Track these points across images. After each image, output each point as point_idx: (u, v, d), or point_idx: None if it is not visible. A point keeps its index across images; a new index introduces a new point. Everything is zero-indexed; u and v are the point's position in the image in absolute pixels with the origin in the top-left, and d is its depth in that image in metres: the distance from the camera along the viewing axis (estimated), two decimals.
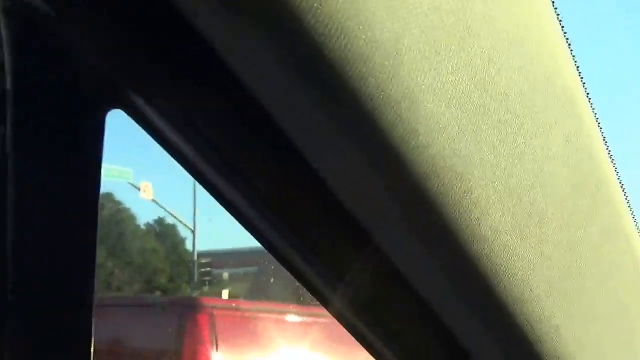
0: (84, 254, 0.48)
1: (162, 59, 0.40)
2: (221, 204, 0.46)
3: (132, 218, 33.65)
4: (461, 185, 0.35)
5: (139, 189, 22.99)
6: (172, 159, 0.46)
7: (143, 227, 34.27)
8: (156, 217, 31.35)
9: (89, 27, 0.39)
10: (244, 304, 4.05)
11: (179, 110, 0.41)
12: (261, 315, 3.39)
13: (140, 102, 0.43)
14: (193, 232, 23.38)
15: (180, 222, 24.34)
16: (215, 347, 2.94)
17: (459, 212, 0.35)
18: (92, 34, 0.39)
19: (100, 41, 0.40)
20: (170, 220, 27.52)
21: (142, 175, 22.65)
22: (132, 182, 22.66)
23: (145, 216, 37.14)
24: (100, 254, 30.31)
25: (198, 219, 23.62)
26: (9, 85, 0.43)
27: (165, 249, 29.79)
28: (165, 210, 24.73)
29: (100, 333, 3.14)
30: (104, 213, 34.45)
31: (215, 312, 3.02)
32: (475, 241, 0.37)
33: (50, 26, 0.41)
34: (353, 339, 0.52)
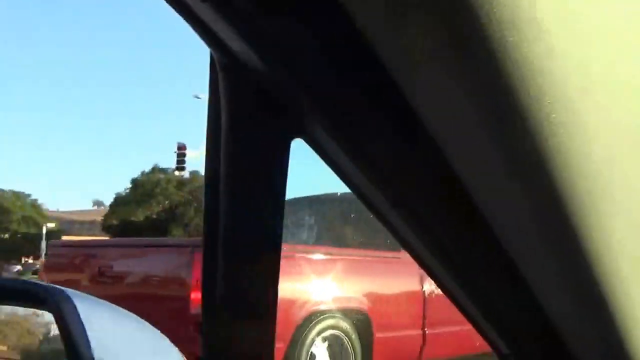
0: (269, 255, 0.57)
1: (346, 95, 0.44)
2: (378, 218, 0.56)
3: None
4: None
5: None
6: None
7: None
8: None
9: (289, 71, 0.45)
10: None
11: (356, 142, 0.46)
12: None
13: (320, 132, 0.49)
14: None
15: None
16: None
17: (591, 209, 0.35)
18: (292, 76, 0.45)
19: (297, 82, 0.46)
20: None
21: None
22: None
23: None
24: (189, 211, 34.64)
25: None
26: (223, 123, 0.52)
27: None
28: None
29: (130, 266, 3.61)
30: (193, 183, 39.90)
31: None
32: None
33: (256, 73, 0.47)
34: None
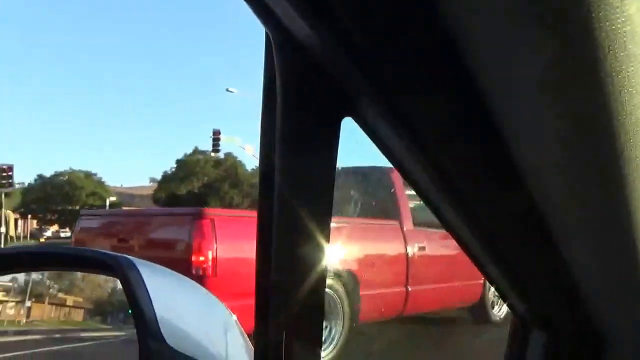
0: (319, 231, 0.51)
1: (402, 75, 0.38)
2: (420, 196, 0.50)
3: (242, 165, 40.74)
4: None
5: (244, 149, 29.07)
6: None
7: (250, 170, 41.46)
8: (255, 165, 36.59)
9: (345, 49, 0.39)
10: (238, 212, 4.52)
11: (406, 124, 0.41)
12: (248, 218, 3.98)
13: (370, 112, 0.45)
14: None
15: None
16: (215, 241, 3.50)
17: None
18: (347, 54, 0.39)
19: (352, 61, 0.39)
20: None
21: (246, 140, 28.70)
22: (240, 145, 29.26)
23: (249, 165, 42.93)
24: (224, 186, 36.99)
25: None
26: (277, 101, 0.47)
27: None
28: None
29: (143, 233, 3.45)
30: (226, 164, 41.59)
31: (215, 217, 3.58)
32: None
33: (312, 51, 0.43)
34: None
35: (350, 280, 4.42)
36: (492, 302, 6.21)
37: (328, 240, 0.52)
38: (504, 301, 0.59)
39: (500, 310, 6.33)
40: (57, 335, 1.39)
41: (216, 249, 3.48)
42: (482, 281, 6.05)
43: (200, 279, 3.47)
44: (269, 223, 0.51)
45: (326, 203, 0.52)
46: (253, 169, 43.40)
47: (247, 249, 3.83)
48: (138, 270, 0.93)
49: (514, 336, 0.60)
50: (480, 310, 6.08)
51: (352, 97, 0.45)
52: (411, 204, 5.14)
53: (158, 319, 0.87)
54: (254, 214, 5.13)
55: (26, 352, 1.31)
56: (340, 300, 4.32)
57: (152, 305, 0.87)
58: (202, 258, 3.45)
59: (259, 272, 0.54)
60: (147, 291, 0.89)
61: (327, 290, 4.11)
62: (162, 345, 0.84)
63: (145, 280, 0.91)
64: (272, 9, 0.41)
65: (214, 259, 3.46)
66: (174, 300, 1.07)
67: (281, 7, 0.40)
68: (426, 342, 5.23)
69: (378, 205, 5.57)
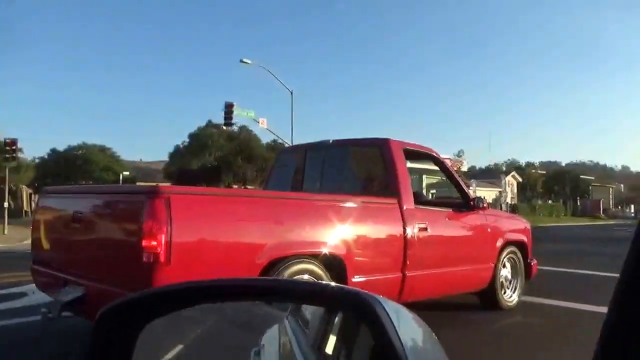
0: None
1: None
2: None
3: (257, 139, 40.63)
4: None
5: (259, 122, 29.88)
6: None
7: (264, 143, 41.38)
8: (270, 139, 39.12)
9: None
10: (197, 189, 4.05)
11: None
12: (212, 197, 3.66)
13: None
14: None
15: (284, 141, 29.14)
16: (169, 223, 3.05)
17: None
18: None
19: None
20: (279, 141, 33.00)
21: (260, 114, 29.82)
22: (254, 118, 29.71)
23: (264, 139, 42.78)
24: (237, 160, 38.40)
25: (294, 141, 28.32)
26: None
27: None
28: (275, 134, 31.40)
29: (96, 212, 3.00)
30: (240, 138, 41.78)
31: (171, 196, 3.13)
32: None
33: None
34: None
35: (336, 265, 3.92)
36: (503, 287, 5.74)
37: None
38: None
39: (512, 297, 5.86)
40: None
41: (171, 232, 3.00)
42: (492, 265, 5.58)
43: (152, 267, 3.01)
44: None
45: None
46: (268, 143, 43.14)
47: (210, 233, 3.35)
48: (388, 314, 0.84)
49: None
50: (489, 296, 5.61)
51: None
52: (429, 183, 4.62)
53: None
54: (220, 191, 4.66)
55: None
56: None
57: (406, 356, 0.79)
58: (153, 242, 2.97)
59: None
60: (400, 338, 0.81)
61: (308, 277, 3.68)
62: None
63: (397, 326, 0.82)
64: None
65: (167, 244, 2.98)
66: (416, 344, 0.97)
67: None
68: (435, 329, 4.79)
69: (374, 181, 5.05)
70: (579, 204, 61.28)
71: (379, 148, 4.85)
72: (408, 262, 4.45)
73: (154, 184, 5.35)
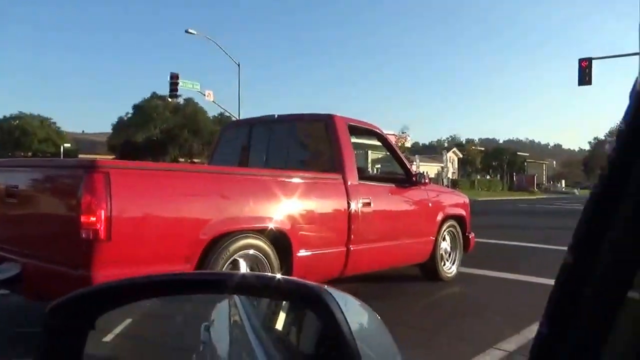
0: None
1: None
2: None
3: (204, 112, 39.72)
4: None
5: (205, 95, 28.97)
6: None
7: (211, 117, 40.54)
8: (217, 112, 39.29)
9: None
10: (138, 164, 3.98)
11: None
12: (154, 172, 3.55)
13: None
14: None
15: (231, 114, 29.03)
16: (109, 198, 2.96)
17: None
18: None
19: None
20: (226, 114, 33.14)
21: (208, 87, 29.11)
22: (200, 90, 28.91)
23: (211, 111, 41.85)
24: (184, 133, 37.86)
25: (242, 114, 28.67)
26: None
27: None
28: (222, 108, 30.96)
29: (32, 187, 2.86)
30: (186, 111, 40.59)
31: (110, 171, 3.03)
32: None
33: None
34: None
35: (282, 240, 3.94)
36: (443, 259, 5.97)
37: None
38: None
39: (451, 268, 6.10)
40: None
41: (111, 207, 2.91)
42: (432, 238, 5.78)
43: (92, 243, 2.92)
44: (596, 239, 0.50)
45: None
46: (215, 116, 42.21)
47: (152, 208, 3.28)
48: (338, 305, 0.88)
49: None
50: (430, 268, 5.83)
51: None
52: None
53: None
54: (162, 166, 4.52)
55: None
56: (270, 263, 3.85)
57: (356, 344, 0.82)
58: (92, 218, 2.87)
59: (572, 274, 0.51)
60: (350, 328, 0.83)
61: (253, 252, 3.68)
62: None
63: (348, 317, 0.86)
64: None
65: (107, 219, 2.90)
66: (364, 332, 1.00)
67: None
68: (372, 300, 4.94)
69: (319, 157, 5.07)
70: (514, 179, 64.08)
71: (324, 124, 4.87)
72: (352, 236, 4.53)
73: (94, 157, 5.15)
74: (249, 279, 1.25)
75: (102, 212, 2.90)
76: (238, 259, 3.65)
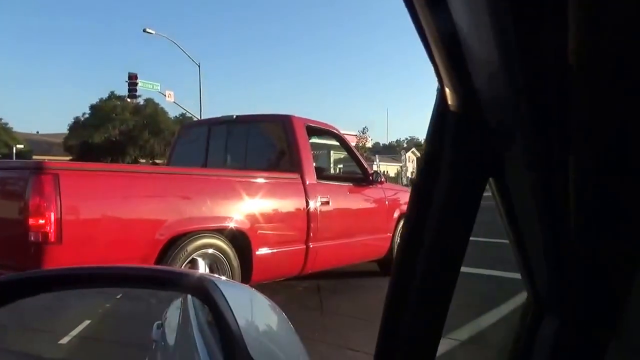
0: (446, 280, 0.60)
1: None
2: None
3: (165, 112, 38.89)
4: None
5: (165, 95, 28.19)
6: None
7: (172, 118, 39.77)
8: (179, 113, 38.02)
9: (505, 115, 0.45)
10: (88, 165, 3.94)
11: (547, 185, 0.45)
12: (107, 173, 3.49)
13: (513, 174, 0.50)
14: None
15: (193, 115, 28.18)
16: (59, 200, 2.90)
17: None
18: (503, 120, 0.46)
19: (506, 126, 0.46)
20: (188, 114, 31.59)
21: (168, 88, 28.44)
22: (160, 91, 28.13)
23: (172, 112, 41.00)
24: (144, 134, 36.65)
25: (204, 114, 28.07)
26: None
27: None
28: (183, 108, 30.13)
29: None
30: (147, 111, 39.57)
31: (60, 172, 2.98)
32: None
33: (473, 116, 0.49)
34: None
35: (241, 239, 3.92)
36: None
37: (452, 293, 0.59)
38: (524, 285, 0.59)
39: None
40: None
41: (60, 209, 2.83)
42: (390, 235, 5.86)
43: (41, 246, 2.83)
44: (411, 255, 0.57)
45: (459, 253, 0.58)
46: (176, 117, 41.50)
47: (105, 210, 3.21)
48: (221, 290, 0.89)
49: (525, 317, 0.61)
50: (388, 264, 5.90)
51: (501, 160, 0.50)
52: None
53: (243, 335, 0.82)
54: (115, 167, 4.46)
55: None
56: (229, 262, 3.82)
57: (237, 324, 0.83)
58: (41, 221, 2.78)
59: (398, 280, 0.58)
60: (232, 310, 0.85)
61: (212, 251, 3.65)
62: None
63: (229, 301, 0.87)
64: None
65: (57, 222, 2.81)
66: (249, 313, 1.04)
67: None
68: (331, 294, 5.00)
69: (277, 157, 5.07)
70: None
71: (282, 124, 4.87)
72: (311, 234, 4.55)
73: (47, 158, 4.98)
74: (129, 271, 1.27)
75: (52, 215, 2.82)
76: (197, 258, 3.61)
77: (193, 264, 3.59)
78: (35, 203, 2.82)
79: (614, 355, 0.51)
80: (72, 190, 2.92)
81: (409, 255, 0.57)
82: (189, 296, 1.30)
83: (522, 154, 0.46)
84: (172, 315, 1.39)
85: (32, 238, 2.82)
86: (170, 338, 1.31)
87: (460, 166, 0.53)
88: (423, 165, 0.56)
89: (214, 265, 3.76)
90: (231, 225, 3.83)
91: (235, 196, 3.96)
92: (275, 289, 4.41)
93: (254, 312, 1.11)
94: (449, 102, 0.51)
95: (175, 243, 3.45)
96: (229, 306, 0.86)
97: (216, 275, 0.96)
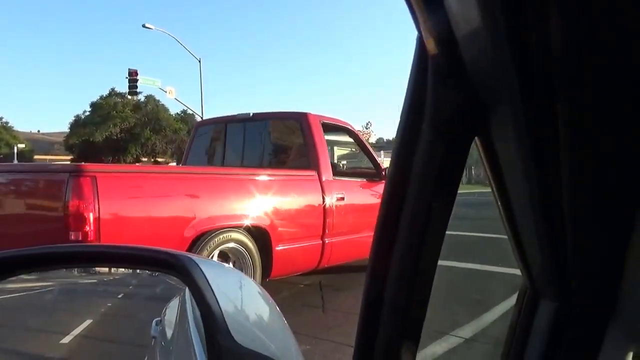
0: (433, 242, 0.58)
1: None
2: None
3: (165, 110, 38.76)
4: None
5: (166, 92, 28.06)
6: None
7: (173, 115, 39.67)
8: (180, 110, 38.90)
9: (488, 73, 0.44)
10: (123, 167, 4.07)
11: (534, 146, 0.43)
12: (139, 174, 3.71)
13: (498, 133, 0.48)
14: (201, 117, 26.87)
15: (194, 112, 28.53)
16: (97, 201, 3.07)
17: None
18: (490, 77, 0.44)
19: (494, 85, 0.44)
20: (189, 111, 33.18)
21: (167, 82, 27.12)
22: (161, 87, 27.92)
23: (173, 109, 40.91)
24: (145, 132, 36.22)
25: (205, 111, 28.04)
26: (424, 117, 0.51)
27: (186, 127, 37.15)
28: (184, 105, 30.11)
29: (9, 192, 2.90)
30: (147, 108, 39.46)
31: (97, 175, 3.15)
32: None
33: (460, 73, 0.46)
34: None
35: (261, 236, 4.09)
36: None
37: (438, 254, 0.59)
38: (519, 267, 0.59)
39: None
40: None
41: (99, 210, 3.00)
42: None
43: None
44: (390, 227, 0.56)
45: (445, 214, 0.55)
46: (177, 114, 41.32)
47: (138, 209, 3.38)
48: (201, 269, 0.90)
49: (521, 303, 0.61)
50: None
51: (487, 118, 0.48)
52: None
53: (225, 316, 0.84)
54: (147, 168, 4.66)
55: None
56: (251, 256, 4.00)
57: (218, 303, 0.84)
58: (81, 221, 2.96)
59: (374, 272, 0.57)
60: (212, 289, 0.86)
61: (235, 246, 3.82)
62: (231, 342, 0.82)
63: (209, 278, 0.89)
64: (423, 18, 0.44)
65: (96, 221, 2.98)
66: (234, 295, 1.06)
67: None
68: (334, 292, 5.13)
69: (294, 154, 5.22)
70: (472, 172, 65.63)
71: (299, 121, 5.02)
72: (327, 230, 4.71)
73: (50, 158, 5.14)
74: (108, 249, 1.25)
75: (91, 215, 2.98)
76: (223, 252, 3.80)
77: (217, 259, 3.77)
78: (75, 204, 2.99)
79: (612, 336, 0.50)
80: (108, 192, 3.09)
81: (387, 230, 0.55)
82: (187, 290, 1.30)
83: (509, 112, 0.43)
84: (171, 311, 1.41)
85: (72, 237, 2.98)
86: (169, 333, 1.34)
87: (442, 124, 0.50)
88: (402, 125, 0.53)
89: (238, 260, 3.93)
90: (252, 222, 4.00)
91: (256, 194, 4.12)
92: (278, 286, 4.55)
93: (242, 296, 1.11)
94: (430, 52, 0.47)
95: (201, 239, 3.62)
96: (210, 285, 0.86)
97: (200, 255, 1.00)
